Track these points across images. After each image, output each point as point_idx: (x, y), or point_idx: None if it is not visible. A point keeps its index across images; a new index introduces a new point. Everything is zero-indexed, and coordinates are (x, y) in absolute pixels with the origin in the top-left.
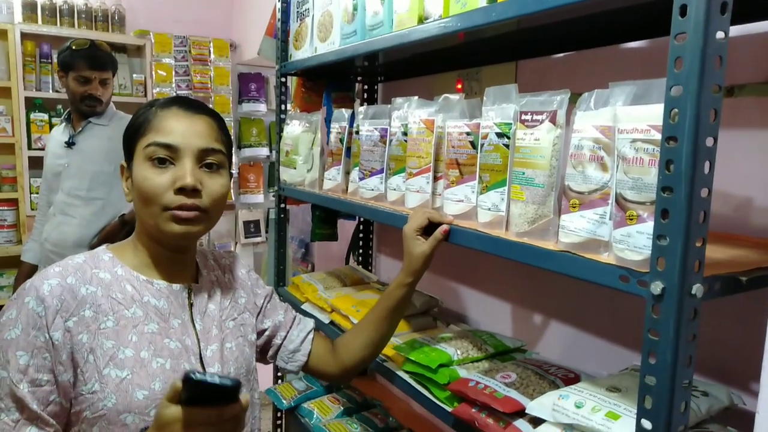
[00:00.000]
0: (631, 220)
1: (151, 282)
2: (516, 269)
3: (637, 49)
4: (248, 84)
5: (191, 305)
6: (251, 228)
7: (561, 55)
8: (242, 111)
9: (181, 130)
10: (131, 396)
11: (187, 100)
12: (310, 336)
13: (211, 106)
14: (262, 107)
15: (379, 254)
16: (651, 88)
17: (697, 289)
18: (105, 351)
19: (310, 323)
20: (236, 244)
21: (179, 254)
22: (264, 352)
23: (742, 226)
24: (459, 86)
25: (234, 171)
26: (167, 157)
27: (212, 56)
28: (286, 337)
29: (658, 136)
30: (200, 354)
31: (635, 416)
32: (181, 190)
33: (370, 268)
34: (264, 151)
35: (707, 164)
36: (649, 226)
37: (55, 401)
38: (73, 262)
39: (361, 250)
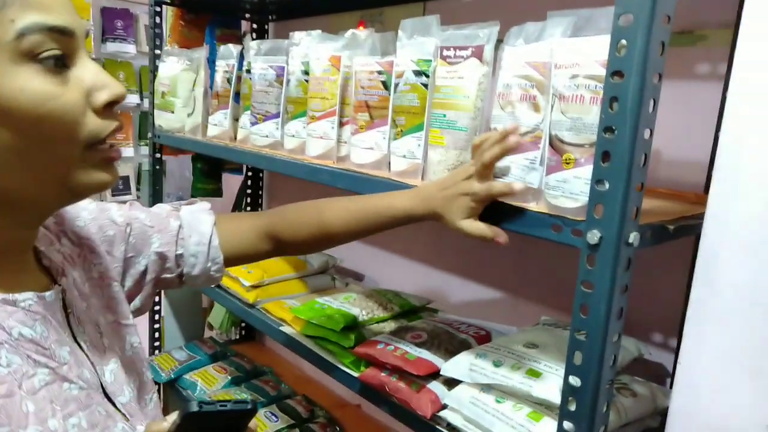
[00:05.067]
0: (568, 164)
1: (11, 300)
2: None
3: None
4: (113, 21)
5: (68, 315)
6: (119, 184)
7: None
8: (107, 51)
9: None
10: None
11: None
12: (214, 233)
13: None
14: (130, 48)
15: None
16: (594, 19)
17: (634, 237)
18: None
19: (204, 216)
20: (102, 202)
21: (34, 230)
22: (162, 283)
23: (651, 177)
24: (361, 28)
25: None
26: (63, 52)
27: None
28: (182, 257)
29: (602, 72)
30: (101, 385)
31: (556, 372)
32: (108, 107)
33: None
34: (134, 99)
35: (652, 103)
36: (587, 170)
37: None
38: None
39: (249, 208)
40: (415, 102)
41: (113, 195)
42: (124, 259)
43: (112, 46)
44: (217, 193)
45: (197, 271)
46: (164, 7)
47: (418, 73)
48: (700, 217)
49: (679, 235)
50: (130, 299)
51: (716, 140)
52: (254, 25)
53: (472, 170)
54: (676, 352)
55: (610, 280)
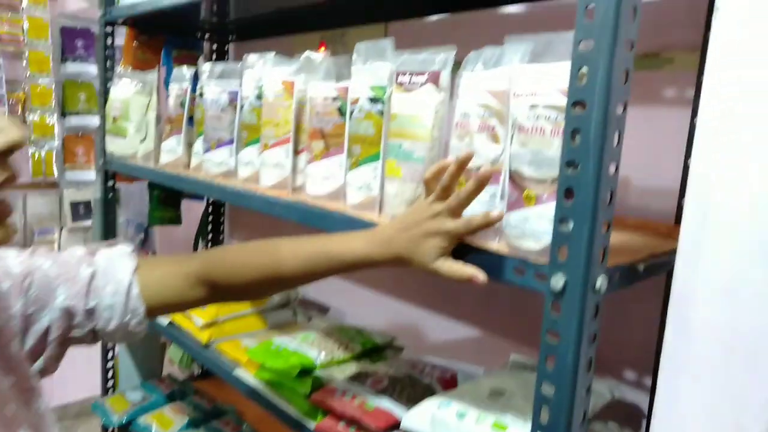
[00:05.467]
0: (529, 201)
1: None
2: None
3: (518, 15)
4: (74, 41)
5: None
6: (80, 210)
7: (435, 18)
8: (67, 72)
9: None
10: None
11: None
12: (133, 281)
13: (25, 63)
14: (91, 69)
15: (232, 239)
16: (554, 44)
17: (601, 282)
18: None
19: (123, 261)
20: (62, 229)
21: None
22: (70, 341)
23: (619, 206)
24: (322, 50)
25: (57, 142)
26: None
27: (25, 3)
28: (94, 311)
29: (563, 101)
30: None
31: (523, 425)
32: (2, 157)
33: None
34: (95, 120)
35: (616, 135)
36: (549, 208)
37: None
38: None
39: (210, 235)
40: (371, 130)
41: (74, 221)
42: (23, 315)
43: (72, 67)
44: (176, 220)
45: (113, 326)
46: (117, 27)
47: (373, 100)
48: (672, 252)
49: (651, 274)
50: (33, 359)
51: (686, 167)
52: (214, 46)
53: (439, 208)
54: (652, 391)
55: (577, 329)
